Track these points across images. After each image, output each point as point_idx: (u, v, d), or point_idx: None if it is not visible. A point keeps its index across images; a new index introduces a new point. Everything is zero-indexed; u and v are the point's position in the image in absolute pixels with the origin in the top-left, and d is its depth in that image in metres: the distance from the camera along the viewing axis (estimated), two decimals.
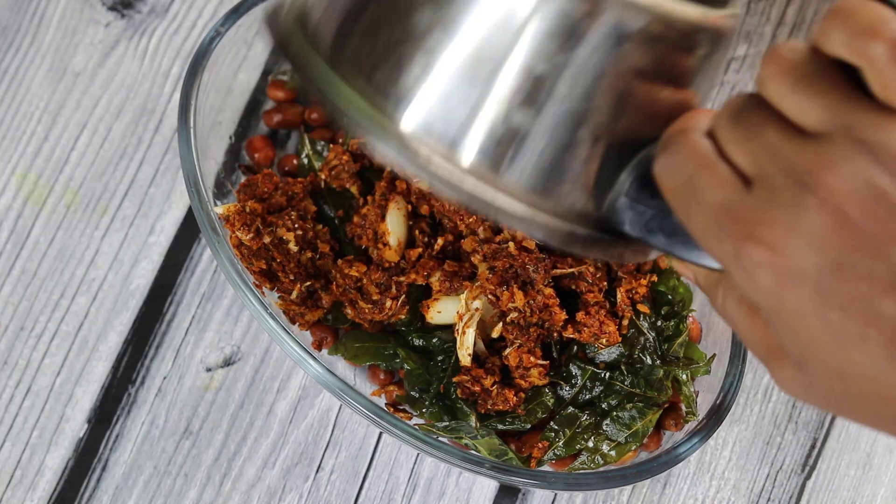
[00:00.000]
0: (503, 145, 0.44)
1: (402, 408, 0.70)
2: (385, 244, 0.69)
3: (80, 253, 0.77)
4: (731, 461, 0.75)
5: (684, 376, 0.68)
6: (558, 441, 0.68)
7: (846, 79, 0.39)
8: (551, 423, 0.68)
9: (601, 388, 0.69)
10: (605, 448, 0.67)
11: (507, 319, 0.66)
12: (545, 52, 0.43)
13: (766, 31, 0.82)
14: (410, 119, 0.44)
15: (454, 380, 0.68)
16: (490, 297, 0.67)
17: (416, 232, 0.70)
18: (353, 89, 0.44)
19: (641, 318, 0.69)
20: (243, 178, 0.74)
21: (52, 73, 0.80)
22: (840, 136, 0.38)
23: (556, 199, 0.45)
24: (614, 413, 0.68)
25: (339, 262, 0.70)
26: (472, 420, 0.68)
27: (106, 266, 0.77)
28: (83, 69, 0.80)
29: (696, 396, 0.69)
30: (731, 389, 0.68)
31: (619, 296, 0.69)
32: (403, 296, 0.69)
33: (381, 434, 0.75)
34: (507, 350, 0.67)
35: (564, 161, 0.45)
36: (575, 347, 0.69)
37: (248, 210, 0.69)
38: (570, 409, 0.68)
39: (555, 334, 0.68)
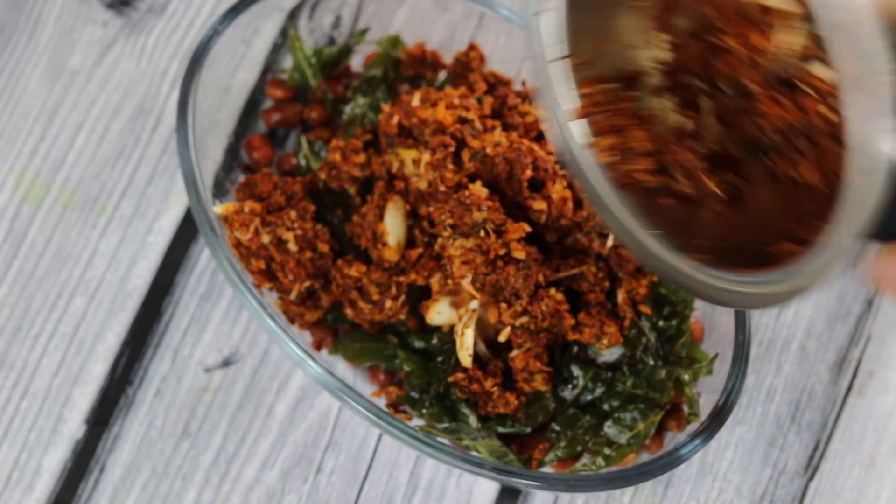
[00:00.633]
0: None
1: (402, 409, 0.70)
2: (384, 244, 0.68)
3: (77, 253, 0.77)
4: (733, 462, 0.75)
5: (686, 377, 0.68)
6: (560, 442, 0.67)
7: None
8: (552, 424, 0.68)
9: (603, 389, 0.68)
10: (606, 450, 0.67)
11: (517, 324, 0.66)
12: None
13: None
14: None
15: (449, 379, 0.67)
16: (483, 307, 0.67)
17: (416, 232, 0.69)
18: None
19: (643, 319, 0.69)
20: (242, 178, 0.74)
21: (49, 71, 0.79)
22: None
23: None
24: (616, 414, 0.67)
25: (339, 262, 0.70)
26: (473, 421, 0.67)
27: (103, 266, 0.77)
28: (80, 68, 0.80)
29: (699, 397, 0.69)
30: (733, 390, 0.67)
31: (620, 296, 0.68)
32: (403, 296, 0.68)
33: (380, 435, 0.74)
34: (515, 352, 0.66)
35: None
36: (576, 348, 0.69)
37: (246, 210, 0.68)
38: (572, 410, 0.68)
39: (562, 339, 0.68)
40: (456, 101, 0.69)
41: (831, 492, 0.75)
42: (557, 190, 0.67)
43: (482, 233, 0.65)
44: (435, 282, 0.68)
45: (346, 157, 0.70)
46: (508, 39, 0.74)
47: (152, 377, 0.75)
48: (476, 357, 0.68)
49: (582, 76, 0.56)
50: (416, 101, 0.70)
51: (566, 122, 0.55)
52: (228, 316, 0.76)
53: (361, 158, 0.70)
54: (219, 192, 0.72)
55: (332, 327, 0.72)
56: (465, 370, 0.67)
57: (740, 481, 0.75)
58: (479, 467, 0.65)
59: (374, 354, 0.70)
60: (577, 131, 0.56)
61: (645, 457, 0.68)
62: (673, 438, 0.69)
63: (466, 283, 0.65)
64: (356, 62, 0.78)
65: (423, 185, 0.67)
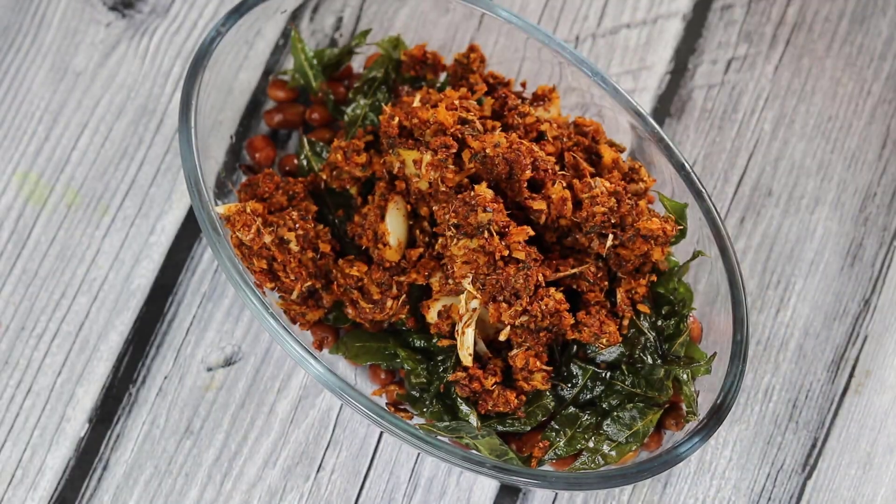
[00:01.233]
0: None
1: (402, 407, 0.70)
2: (385, 244, 0.69)
3: (80, 253, 0.77)
4: (731, 461, 0.75)
5: (685, 376, 0.68)
6: (559, 441, 0.68)
7: None
8: (552, 422, 0.68)
9: (602, 387, 0.69)
10: (605, 448, 0.67)
11: (517, 323, 0.66)
12: None
13: (766, 31, 0.82)
14: None
15: (450, 378, 0.68)
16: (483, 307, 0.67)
17: (417, 232, 0.70)
18: None
19: (642, 318, 0.69)
20: (244, 178, 0.74)
21: (53, 73, 0.80)
22: None
23: None
24: (615, 413, 0.68)
25: (340, 261, 0.70)
26: (473, 420, 0.68)
27: (107, 266, 0.77)
28: (84, 69, 0.80)
29: (697, 396, 0.69)
30: (731, 389, 0.68)
31: (619, 296, 0.69)
32: (404, 295, 0.69)
33: (381, 434, 0.75)
34: (515, 351, 0.67)
35: None
36: (575, 347, 0.69)
37: (248, 210, 0.69)
38: (571, 409, 0.68)
39: (561, 338, 0.69)
40: (456, 103, 0.69)
41: (828, 490, 0.75)
42: (557, 190, 0.67)
43: (486, 234, 0.65)
44: (435, 281, 0.68)
45: (348, 158, 0.71)
46: (508, 41, 0.74)
47: (155, 376, 0.75)
48: (476, 356, 0.68)
49: None
50: (416, 102, 0.70)
51: None
52: (230, 315, 0.76)
53: (362, 159, 0.71)
54: (221, 192, 0.72)
55: (334, 327, 0.72)
56: (465, 369, 0.68)
57: (738, 479, 0.75)
58: (479, 466, 0.65)
59: (375, 354, 0.70)
60: None
61: (644, 455, 0.69)
62: (671, 437, 0.69)
63: (467, 283, 0.66)
64: (357, 63, 0.78)
65: (423, 186, 0.68)
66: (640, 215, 0.67)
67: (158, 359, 0.76)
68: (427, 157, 0.67)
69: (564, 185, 0.67)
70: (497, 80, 0.74)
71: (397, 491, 0.74)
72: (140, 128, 0.79)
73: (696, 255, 0.70)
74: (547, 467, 0.68)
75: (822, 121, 0.81)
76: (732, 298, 0.70)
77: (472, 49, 0.74)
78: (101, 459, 0.74)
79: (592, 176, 0.69)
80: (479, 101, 0.72)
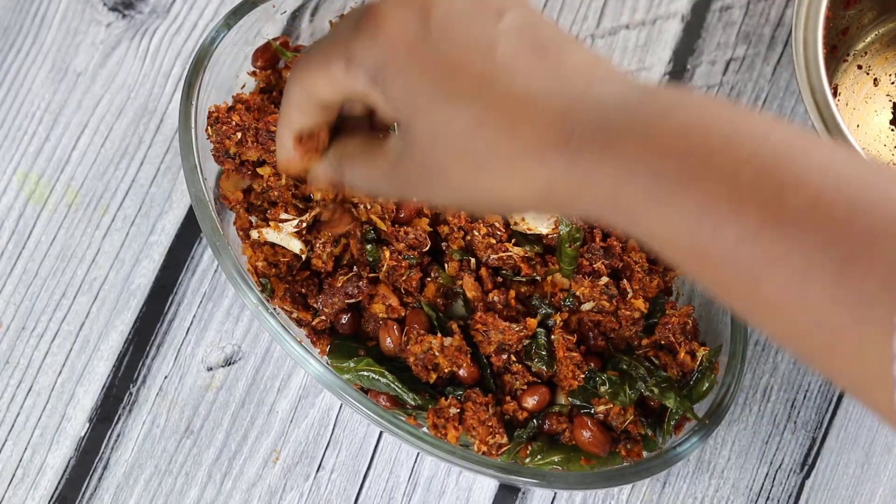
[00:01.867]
0: None
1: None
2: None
3: (81, 252, 0.77)
4: (730, 460, 0.76)
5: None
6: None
7: None
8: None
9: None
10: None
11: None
12: None
13: (765, 32, 0.82)
14: None
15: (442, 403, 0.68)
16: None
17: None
18: None
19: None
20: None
21: (54, 73, 0.80)
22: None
23: None
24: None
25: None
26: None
27: (107, 265, 0.77)
28: (84, 69, 0.80)
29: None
30: (730, 389, 0.68)
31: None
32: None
33: (381, 433, 0.75)
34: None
35: None
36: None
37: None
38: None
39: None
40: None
41: (827, 489, 0.75)
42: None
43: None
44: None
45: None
46: None
47: (155, 376, 0.75)
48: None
49: None
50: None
51: None
52: (231, 315, 0.76)
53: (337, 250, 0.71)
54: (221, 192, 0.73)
55: (330, 332, 0.71)
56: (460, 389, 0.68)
57: (737, 479, 0.75)
58: (479, 465, 0.65)
59: (369, 382, 0.69)
60: None
61: (643, 454, 0.69)
62: (671, 436, 0.69)
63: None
64: None
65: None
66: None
67: (159, 358, 0.76)
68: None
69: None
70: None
71: (397, 490, 0.74)
72: (140, 128, 0.79)
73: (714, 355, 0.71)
74: (549, 470, 0.68)
75: None
76: None
77: None
78: (101, 459, 0.74)
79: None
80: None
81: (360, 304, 0.69)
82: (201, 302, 0.77)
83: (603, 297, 0.69)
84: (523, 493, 0.74)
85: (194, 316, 0.76)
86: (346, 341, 0.70)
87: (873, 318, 0.39)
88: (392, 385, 0.67)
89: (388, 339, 0.68)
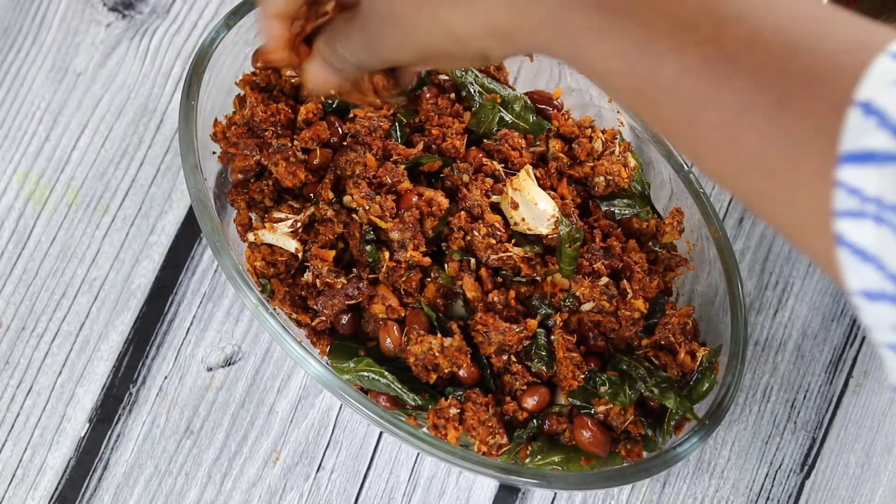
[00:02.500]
0: None
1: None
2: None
3: (81, 252, 0.77)
4: (730, 460, 0.76)
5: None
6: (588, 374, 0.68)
7: None
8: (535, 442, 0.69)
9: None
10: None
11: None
12: None
13: None
14: None
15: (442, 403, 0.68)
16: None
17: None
18: None
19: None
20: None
21: (54, 73, 0.80)
22: None
23: None
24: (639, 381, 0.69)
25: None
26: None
27: (107, 266, 0.77)
28: (84, 69, 0.80)
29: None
30: (730, 389, 0.68)
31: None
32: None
33: (381, 433, 0.75)
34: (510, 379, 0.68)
35: None
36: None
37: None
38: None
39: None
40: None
41: (827, 489, 0.75)
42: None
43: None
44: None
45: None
46: None
47: (155, 376, 0.75)
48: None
49: None
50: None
51: None
52: (230, 315, 0.76)
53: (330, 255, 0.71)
54: (221, 192, 0.73)
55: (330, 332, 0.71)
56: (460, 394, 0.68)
57: (737, 479, 0.75)
58: (479, 465, 0.65)
59: (369, 382, 0.69)
60: None
61: (643, 455, 0.69)
62: (670, 437, 0.69)
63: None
64: None
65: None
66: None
67: (159, 359, 0.76)
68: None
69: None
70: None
71: (397, 490, 0.74)
72: (140, 128, 0.79)
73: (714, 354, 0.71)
74: (549, 471, 0.68)
75: None
76: (731, 299, 0.70)
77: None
78: (101, 459, 0.74)
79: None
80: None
81: (360, 304, 0.69)
82: (201, 302, 0.77)
83: (603, 298, 0.69)
84: (523, 493, 0.74)
85: (194, 316, 0.76)
86: (346, 342, 0.70)
87: (807, 161, 0.38)
88: (392, 385, 0.67)
89: (388, 340, 0.68)
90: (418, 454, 0.75)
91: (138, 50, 0.80)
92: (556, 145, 0.73)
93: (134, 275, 0.77)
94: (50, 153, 0.79)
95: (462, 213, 0.69)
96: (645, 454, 0.68)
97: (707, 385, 0.69)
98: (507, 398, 0.68)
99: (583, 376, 0.68)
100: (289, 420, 0.75)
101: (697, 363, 0.69)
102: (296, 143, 0.70)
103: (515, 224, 0.70)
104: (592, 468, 0.67)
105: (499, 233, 0.69)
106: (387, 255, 0.68)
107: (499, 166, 0.71)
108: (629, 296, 0.69)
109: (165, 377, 0.76)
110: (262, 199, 0.71)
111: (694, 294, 0.73)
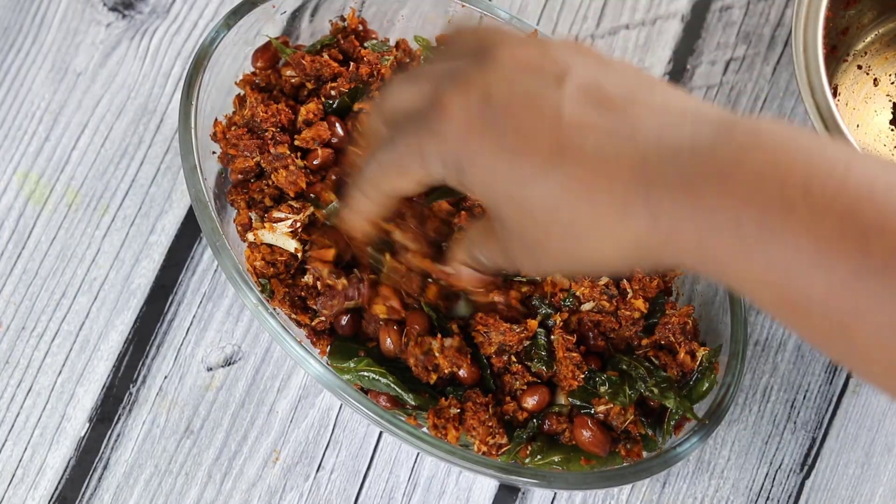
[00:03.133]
0: None
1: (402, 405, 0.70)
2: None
3: (81, 252, 0.77)
4: (730, 460, 0.76)
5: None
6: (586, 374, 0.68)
7: None
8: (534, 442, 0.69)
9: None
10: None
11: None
12: None
13: (765, 33, 0.82)
14: None
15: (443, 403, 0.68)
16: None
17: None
18: None
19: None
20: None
21: (54, 73, 0.80)
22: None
23: None
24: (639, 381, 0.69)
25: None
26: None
27: (107, 265, 0.77)
28: (84, 69, 0.80)
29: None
30: (730, 389, 0.68)
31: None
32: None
33: (381, 433, 0.75)
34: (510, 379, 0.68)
35: None
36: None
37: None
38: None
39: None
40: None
41: (827, 489, 0.75)
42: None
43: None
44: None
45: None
46: None
47: (155, 376, 0.76)
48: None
49: None
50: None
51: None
52: (231, 315, 0.76)
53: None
54: (221, 192, 0.73)
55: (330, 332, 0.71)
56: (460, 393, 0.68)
57: (737, 479, 0.75)
58: (479, 465, 0.65)
59: (359, 378, 0.69)
60: None
61: (643, 454, 0.69)
62: (670, 436, 0.69)
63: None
64: None
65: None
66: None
67: (159, 358, 0.76)
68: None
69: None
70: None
71: (397, 490, 0.74)
72: (140, 128, 0.79)
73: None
74: (550, 471, 0.68)
75: None
76: (731, 298, 0.70)
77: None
78: (101, 459, 0.74)
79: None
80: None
81: (359, 305, 0.69)
82: (201, 302, 0.77)
83: (603, 298, 0.69)
84: (523, 493, 0.74)
85: (194, 316, 0.76)
86: (346, 342, 0.70)
87: None
88: (392, 385, 0.67)
89: (389, 340, 0.68)
90: (418, 454, 0.75)
91: (138, 50, 0.81)
92: None
93: (134, 275, 0.77)
94: (50, 153, 0.79)
95: (463, 212, 0.69)
96: (645, 454, 0.68)
97: (707, 385, 0.69)
98: (507, 398, 0.68)
99: (583, 376, 0.68)
100: (289, 420, 0.75)
101: (697, 363, 0.69)
102: (297, 142, 0.70)
103: None
104: (592, 468, 0.67)
105: None
106: (388, 256, 0.68)
107: None
108: (629, 296, 0.69)
109: (165, 377, 0.76)
110: (262, 198, 0.71)
111: (694, 294, 0.73)
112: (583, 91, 0.48)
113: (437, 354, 0.66)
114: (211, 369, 0.76)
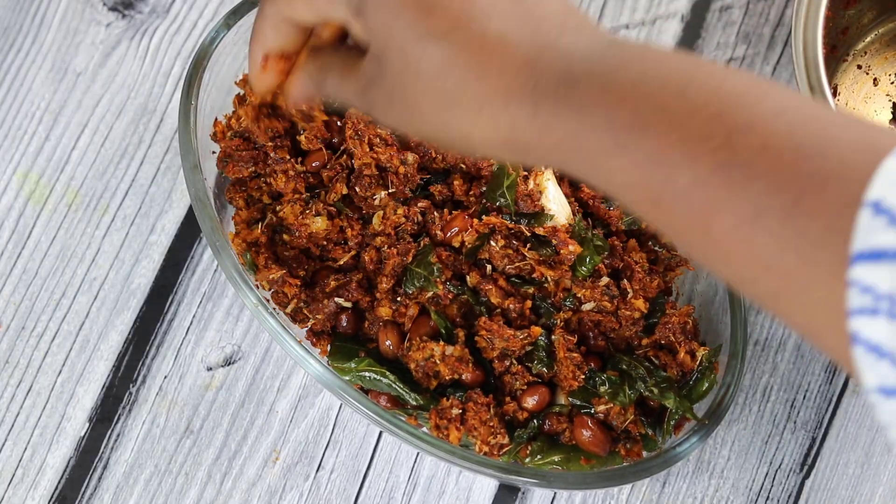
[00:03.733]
0: None
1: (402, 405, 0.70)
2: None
3: (81, 252, 0.77)
4: (730, 460, 0.76)
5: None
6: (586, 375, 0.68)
7: None
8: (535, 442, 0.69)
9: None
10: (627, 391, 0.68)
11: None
12: None
13: (765, 32, 0.82)
14: None
15: (443, 403, 0.68)
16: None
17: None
18: None
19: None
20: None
21: (54, 72, 0.80)
22: None
23: None
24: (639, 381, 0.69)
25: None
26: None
27: (107, 265, 0.77)
28: (84, 69, 0.80)
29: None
30: (730, 389, 0.68)
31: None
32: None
33: (381, 433, 0.75)
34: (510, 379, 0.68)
35: None
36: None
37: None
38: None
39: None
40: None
41: (826, 489, 0.76)
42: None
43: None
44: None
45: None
46: None
47: (155, 375, 0.76)
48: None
49: None
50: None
51: None
52: (230, 315, 0.77)
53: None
54: (221, 192, 0.73)
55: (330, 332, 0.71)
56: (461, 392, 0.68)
57: (737, 479, 0.75)
58: (479, 465, 0.65)
59: (360, 379, 0.69)
60: None
61: (643, 454, 0.69)
62: (670, 436, 0.69)
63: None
64: None
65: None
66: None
67: (158, 358, 0.76)
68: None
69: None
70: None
71: (397, 490, 0.74)
72: (140, 128, 0.79)
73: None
74: (550, 470, 0.68)
75: None
76: (731, 298, 0.70)
77: None
78: (101, 458, 0.74)
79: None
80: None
81: (358, 305, 0.69)
82: (201, 302, 0.77)
83: (603, 298, 0.69)
84: (523, 493, 0.74)
85: (194, 316, 0.76)
86: (346, 342, 0.70)
87: (820, 260, 0.39)
88: (394, 385, 0.67)
89: (388, 342, 0.68)
90: (418, 454, 0.75)
91: (138, 50, 0.81)
92: None
93: (134, 274, 0.77)
94: (50, 153, 0.79)
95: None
96: (645, 454, 0.68)
97: (707, 385, 0.69)
98: (508, 398, 0.68)
99: (583, 376, 0.68)
100: (289, 420, 0.75)
101: (697, 363, 0.69)
102: (296, 142, 0.70)
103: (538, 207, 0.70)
104: (592, 468, 0.67)
105: (514, 242, 0.69)
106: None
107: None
108: (629, 295, 0.69)
109: (165, 377, 0.76)
110: (261, 196, 0.71)
111: (694, 294, 0.73)
112: None
113: (437, 361, 0.67)
114: (211, 369, 0.76)
